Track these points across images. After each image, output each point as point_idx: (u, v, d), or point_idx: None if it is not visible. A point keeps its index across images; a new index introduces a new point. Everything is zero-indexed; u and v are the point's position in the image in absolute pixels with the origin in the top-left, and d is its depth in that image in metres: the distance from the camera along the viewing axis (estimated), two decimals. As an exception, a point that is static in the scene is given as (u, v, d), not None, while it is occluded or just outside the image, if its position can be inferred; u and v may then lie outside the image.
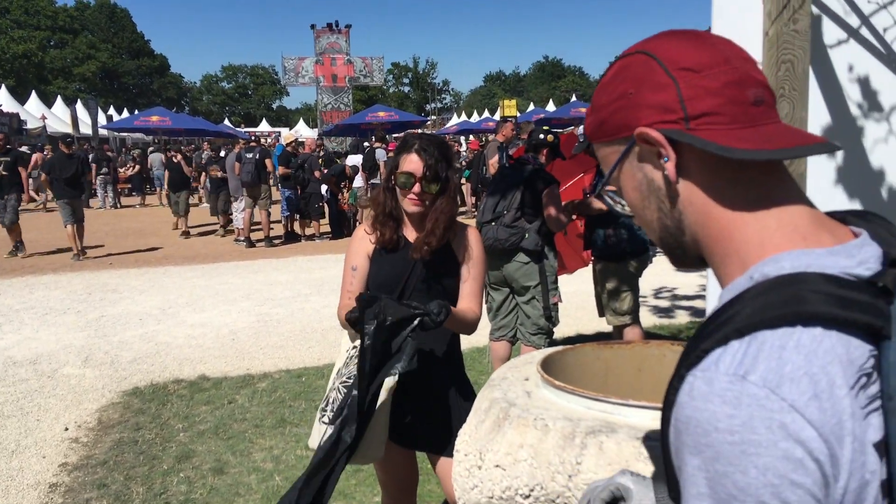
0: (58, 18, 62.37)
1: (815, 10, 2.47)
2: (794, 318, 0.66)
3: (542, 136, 4.59)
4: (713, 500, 0.66)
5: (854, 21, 2.51)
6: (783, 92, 2.38)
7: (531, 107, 42.16)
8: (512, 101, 24.74)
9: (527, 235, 4.17)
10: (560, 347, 2.04)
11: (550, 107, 38.77)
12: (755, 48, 2.44)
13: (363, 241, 2.35)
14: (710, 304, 2.57)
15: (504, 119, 11.46)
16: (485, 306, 4.75)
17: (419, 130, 22.97)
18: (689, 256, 0.85)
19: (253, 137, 14.57)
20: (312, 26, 38.96)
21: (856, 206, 2.63)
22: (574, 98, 40.64)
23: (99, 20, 65.30)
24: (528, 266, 4.24)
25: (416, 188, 2.22)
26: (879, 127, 2.60)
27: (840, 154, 2.58)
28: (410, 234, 2.34)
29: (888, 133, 2.61)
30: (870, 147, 2.61)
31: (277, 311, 7.51)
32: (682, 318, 6.69)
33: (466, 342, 6.06)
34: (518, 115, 24.64)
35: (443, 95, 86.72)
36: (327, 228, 13.39)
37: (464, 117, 47.71)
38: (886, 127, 2.60)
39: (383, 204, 2.31)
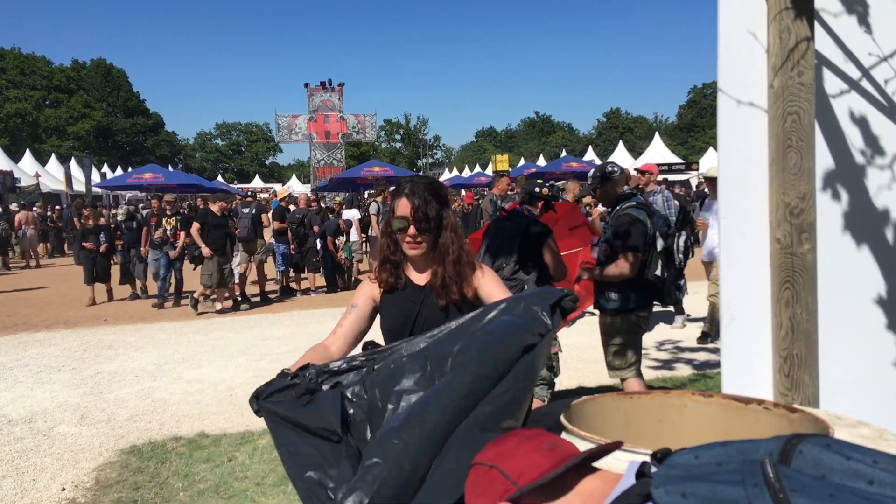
0: (53, 78, 63.18)
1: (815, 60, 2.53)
2: None
3: (536, 188, 4.64)
4: None
5: (854, 70, 2.58)
6: (790, 143, 2.42)
7: (522, 161, 42.72)
8: (504, 156, 25.08)
9: (526, 287, 4.17)
10: (582, 398, 2.03)
11: (541, 161, 39.26)
12: (761, 99, 2.50)
13: (368, 284, 2.41)
14: (725, 358, 2.57)
15: (499, 174, 11.60)
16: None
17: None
18: None
19: (249, 192, 14.65)
20: (306, 84, 39.64)
21: (863, 251, 2.65)
22: (564, 153, 41.20)
23: (94, 80, 66.19)
24: (528, 315, 4.22)
25: (411, 230, 2.26)
26: (883, 174, 2.65)
27: (845, 201, 2.62)
28: (415, 276, 2.37)
29: (891, 180, 2.65)
30: (874, 193, 2.65)
31: (275, 366, 7.41)
32: (684, 370, 6.65)
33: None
34: (510, 169, 24.92)
35: (434, 151, 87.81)
36: (322, 282, 13.36)
37: (455, 172, 48.23)
38: (889, 174, 2.65)
39: (383, 249, 2.36)
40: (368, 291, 2.38)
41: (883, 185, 2.65)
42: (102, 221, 13.06)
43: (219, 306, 11.28)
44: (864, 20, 2.58)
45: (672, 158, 32.47)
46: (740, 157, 2.52)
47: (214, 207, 11.38)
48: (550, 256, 4.16)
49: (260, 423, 5.46)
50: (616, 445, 1.23)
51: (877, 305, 2.68)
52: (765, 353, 2.55)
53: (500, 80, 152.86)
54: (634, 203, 4.19)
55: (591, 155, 36.22)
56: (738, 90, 2.50)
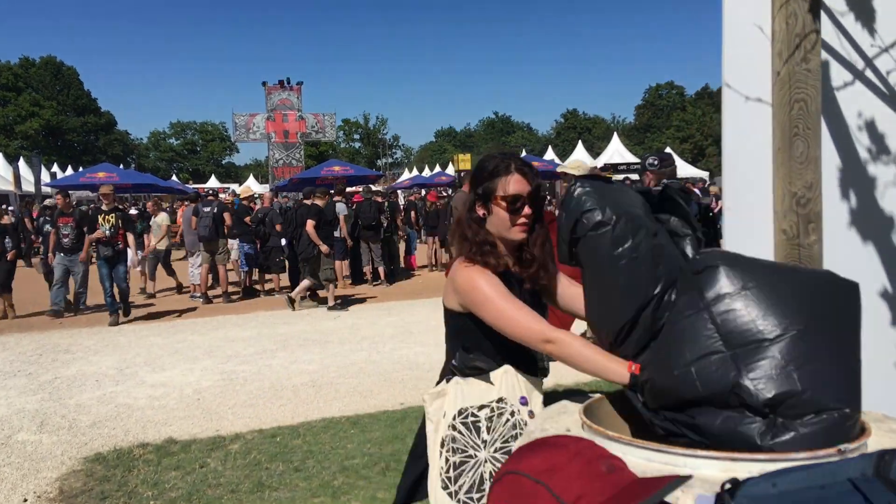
0: (0, 76, 61.20)
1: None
2: None
3: None
4: None
5: (859, 62, 2.55)
6: (797, 130, 2.36)
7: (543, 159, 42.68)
8: (466, 156, 25.06)
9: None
10: (596, 395, 1.94)
11: (501, 161, 39.35)
12: (765, 89, 2.44)
13: (489, 274, 2.01)
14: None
15: (469, 172, 11.52)
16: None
17: (374, 186, 22.94)
18: None
19: (211, 192, 14.32)
20: (264, 83, 39.09)
21: (869, 248, 2.62)
22: (524, 153, 41.36)
23: (43, 77, 64.28)
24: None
25: (527, 210, 2.01)
26: (888, 170, 2.62)
27: (853, 198, 2.58)
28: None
29: None
30: (880, 189, 2.62)
31: (243, 369, 7.23)
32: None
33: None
34: (471, 168, 24.91)
35: (394, 150, 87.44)
36: (287, 283, 13.11)
37: (415, 172, 48.09)
38: (894, 170, 2.62)
39: (481, 234, 2.04)
40: (497, 280, 2.01)
41: (889, 181, 2.62)
42: (6, 220, 11.80)
43: (332, 301, 10.88)
44: (866, 8, 2.54)
45: (630, 158, 32.83)
46: (744, 150, 2.46)
47: (320, 202, 10.99)
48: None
49: (231, 428, 5.32)
50: (684, 479, 1.11)
51: (881, 300, 2.65)
52: (769, 347, 2.49)
53: (460, 81, 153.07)
54: None
55: (550, 155, 36.39)
56: (743, 84, 2.44)
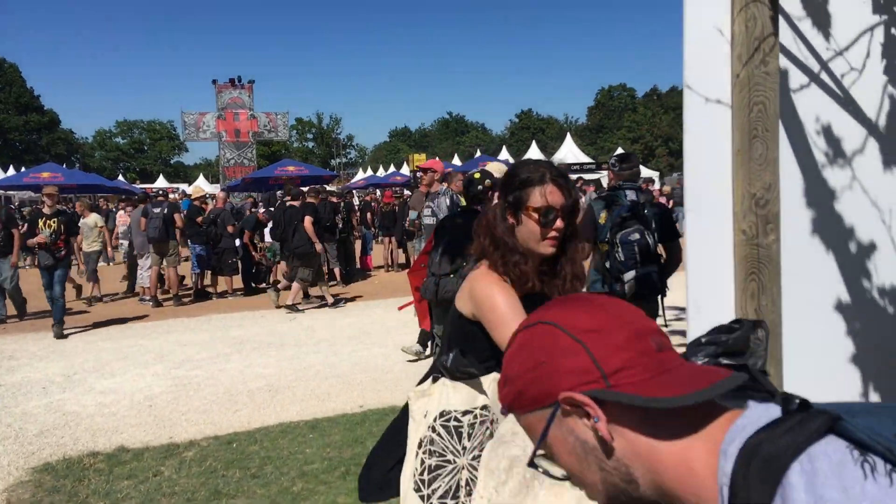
0: (-64, 72, 58.98)
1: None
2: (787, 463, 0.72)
3: (479, 185, 4.54)
4: None
5: (815, 66, 2.60)
6: (756, 133, 2.40)
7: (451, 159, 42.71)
8: (421, 156, 25.06)
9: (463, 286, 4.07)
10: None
11: (456, 161, 39.38)
12: (725, 91, 2.47)
13: (508, 289, 1.93)
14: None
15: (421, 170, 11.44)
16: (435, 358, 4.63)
17: (328, 186, 22.75)
18: None
19: (160, 192, 14.00)
20: (214, 81, 38.47)
21: (824, 248, 2.67)
22: (479, 153, 41.51)
23: (-17, 74, 62.15)
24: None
25: (559, 223, 1.92)
26: (843, 172, 2.68)
27: (810, 199, 2.63)
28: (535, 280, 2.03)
29: (852, 179, 2.68)
30: (836, 190, 2.67)
31: (196, 374, 7.07)
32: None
33: (404, 397, 5.87)
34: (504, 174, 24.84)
35: (347, 150, 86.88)
36: (240, 285, 12.90)
37: (370, 172, 47.87)
38: (850, 173, 2.68)
39: (512, 245, 1.93)
40: (511, 291, 1.94)
41: (844, 180, 2.68)
42: None
43: (331, 299, 10.90)
44: (822, 13, 2.59)
45: (583, 158, 33.23)
46: (705, 152, 2.48)
47: (314, 200, 11.01)
48: None
49: (185, 435, 5.19)
50: (741, 377, 0.83)
51: (835, 299, 2.71)
52: (729, 346, 2.52)
53: (414, 80, 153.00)
54: (598, 195, 4.27)
55: (505, 154, 36.58)
56: (704, 86, 2.46)
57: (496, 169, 5.87)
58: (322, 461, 4.55)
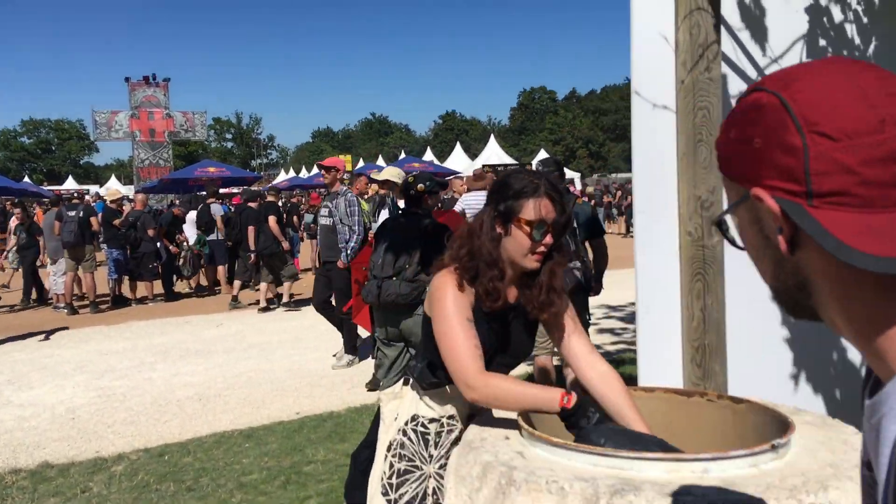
0: None
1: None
2: None
3: (411, 190, 4.48)
4: None
5: (753, 73, 2.70)
6: (701, 137, 2.48)
7: (361, 162, 42.47)
8: (346, 157, 24.79)
9: (427, 288, 4.06)
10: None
11: (381, 162, 39.22)
12: (671, 96, 2.54)
13: (459, 295, 1.88)
14: (641, 350, 2.59)
15: (359, 174, 11.29)
16: (373, 362, 4.60)
17: (253, 186, 22.28)
18: (807, 313, 0.76)
19: (75, 194, 13.40)
20: (127, 79, 37.08)
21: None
22: (403, 154, 41.48)
23: None
24: (430, 318, 4.13)
25: (549, 239, 1.87)
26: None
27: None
28: (510, 293, 1.98)
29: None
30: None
31: (121, 384, 6.79)
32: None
33: (341, 402, 5.81)
34: (352, 170, 24.64)
35: (269, 151, 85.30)
36: (160, 290, 12.46)
37: (292, 173, 47.09)
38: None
39: (493, 258, 1.87)
40: (466, 304, 1.88)
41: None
42: None
43: (263, 303, 10.65)
44: (760, 24, 2.70)
45: (507, 160, 33.60)
46: (652, 155, 2.55)
47: (274, 199, 10.97)
48: None
49: (112, 449, 4.97)
50: None
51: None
52: (676, 343, 2.59)
53: (337, 81, 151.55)
54: None
55: (429, 156, 36.65)
56: (650, 91, 2.53)
57: (393, 174, 5.89)
58: (260, 471, 4.44)
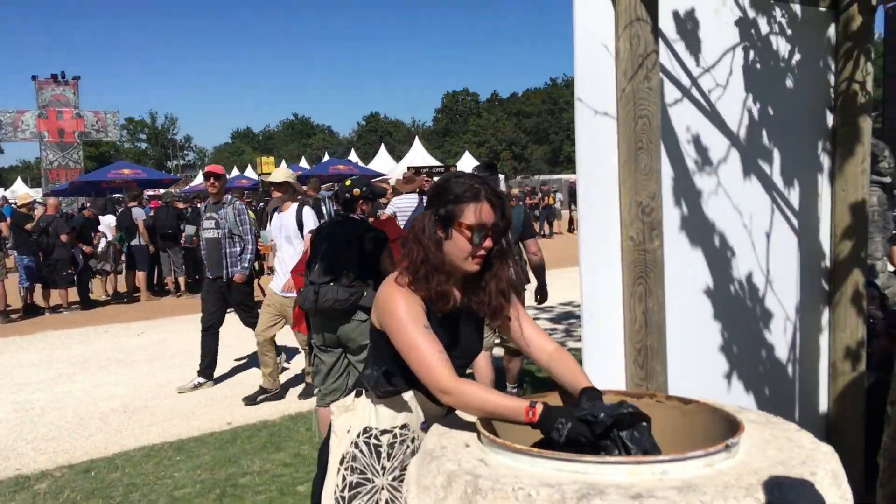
0: None
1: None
2: None
3: (347, 194, 4.43)
4: None
5: (686, 82, 2.79)
6: (641, 144, 2.55)
7: (283, 164, 41.82)
8: (270, 159, 24.46)
9: (365, 293, 4.03)
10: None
11: (304, 164, 38.73)
12: (612, 104, 2.60)
13: (411, 300, 1.89)
14: (585, 354, 2.64)
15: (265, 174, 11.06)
16: (310, 369, 4.53)
17: (172, 189, 21.64)
18: None
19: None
20: (34, 77, 35.43)
21: (696, 251, 2.88)
22: (326, 156, 41.00)
23: None
24: (367, 323, 4.05)
25: (488, 242, 1.90)
26: (711, 179, 2.90)
27: (684, 205, 2.83)
28: (455, 292, 1.99)
29: (717, 185, 2.91)
30: (705, 198, 2.89)
31: (38, 397, 6.47)
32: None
33: (275, 411, 5.70)
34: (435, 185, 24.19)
35: (185, 152, 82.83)
36: (76, 298, 11.94)
37: (211, 175, 45.84)
38: (716, 180, 2.91)
39: (440, 261, 1.89)
40: (419, 310, 1.89)
41: (711, 187, 2.90)
42: None
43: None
44: (693, 35, 2.79)
45: (432, 161, 33.70)
46: (595, 162, 2.60)
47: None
48: (389, 263, 4.03)
49: (34, 466, 4.74)
50: None
51: (706, 297, 2.93)
52: (618, 346, 2.66)
53: (256, 80, 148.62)
54: None
55: (354, 157, 36.43)
56: (593, 99, 2.57)
57: (285, 175, 5.75)
58: (194, 484, 4.31)
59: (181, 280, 12.83)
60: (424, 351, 1.81)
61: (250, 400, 5.97)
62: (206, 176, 6.33)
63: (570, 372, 1.96)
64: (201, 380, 6.53)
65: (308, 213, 5.82)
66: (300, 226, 5.71)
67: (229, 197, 6.46)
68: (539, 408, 1.70)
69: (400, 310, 1.87)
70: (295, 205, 5.83)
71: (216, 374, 6.95)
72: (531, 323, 2.10)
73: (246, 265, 6.29)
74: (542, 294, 5.28)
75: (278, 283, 5.77)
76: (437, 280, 1.89)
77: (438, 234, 1.91)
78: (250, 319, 6.49)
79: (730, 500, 1.38)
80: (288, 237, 5.76)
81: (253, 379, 6.72)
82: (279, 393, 6.11)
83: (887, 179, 5.61)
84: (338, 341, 4.16)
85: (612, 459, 1.55)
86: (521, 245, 5.11)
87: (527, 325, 2.08)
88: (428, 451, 1.76)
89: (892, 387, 2.27)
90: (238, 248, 6.29)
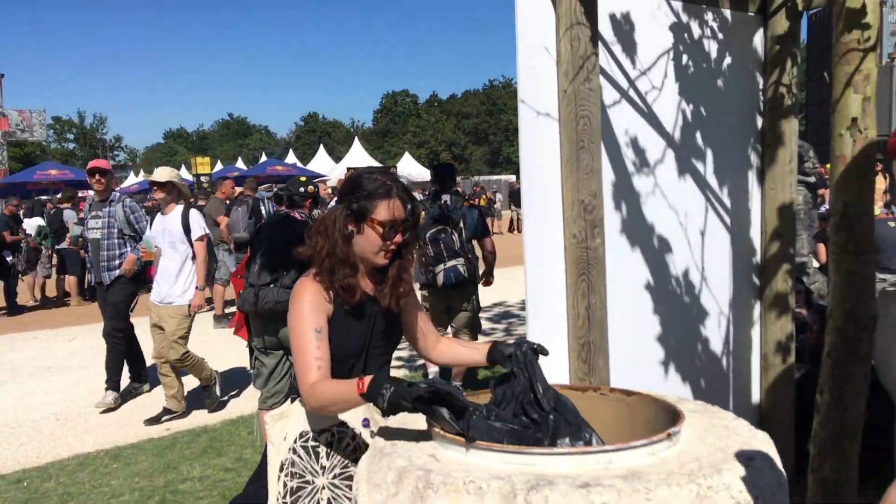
0: None
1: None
2: None
3: (301, 188, 4.45)
4: None
5: (624, 83, 2.87)
6: (583, 144, 2.61)
7: (219, 165, 41.02)
8: (205, 159, 23.85)
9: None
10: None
11: (241, 164, 38.03)
12: (554, 105, 2.65)
13: (320, 300, 1.93)
14: (531, 328, 2.68)
15: (224, 177, 10.84)
16: (252, 372, 4.45)
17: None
18: None
19: None
20: (-47, 73, 33.94)
21: (636, 248, 2.96)
22: (264, 156, 40.39)
23: None
24: (309, 324, 4.06)
25: (398, 238, 1.97)
26: (648, 179, 2.98)
27: (622, 203, 2.90)
28: (364, 284, 2.03)
29: (654, 186, 3.00)
30: (642, 196, 2.97)
31: (-34, 408, 6.19)
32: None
33: (215, 416, 5.59)
34: (211, 172, 23.72)
35: (116, 152, 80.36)
36: (1, 303, 11.47)
37: (143, 176, 44.60)
38: (653, 180, 2.99)
39: (346, 254, 1.95)
40: (322, 308, 1.93)
41: (648, 186, 2.98)
42: None
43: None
44: (630, 38, 2.87)
45: (372, 162, 33.56)
46: (538, 161, 2.65)
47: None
48: None
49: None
50: None
51: (646, 291, 3.01)
52: (562, 341, 2.71)
53: (189, 80, 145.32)
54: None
55: (292, 158, 35.97)
56: (536, 100, 2.62)
57: (169, 175, 5.45)
58: (132, 492, 4.20)
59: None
60: (303, 353, 1.86)
61: (152, 421, 5.51)
62: (91, 172, 5.87)
63: (460, 352, 2.19)
64: (137, 385, 6.35)
65: (195, 216, 5.47)
66: (186, 230, 5.37)
67: (117, 194, 6.08)
68: (367, 379, 1.72)
69: (300, 308, 1.92)
70: (180, 207, 5.45)
71: (154, 379, 6.77)
72: (427, 323, 2.24)
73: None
74: (488, 278, 5.72)
75: (158, 292, 5.47)
76: (342, 273, 1.94)
77: (350, 229, 1.95)
78: (116, 330, 5.95)
79: (673, 486, 1.43)
80: (172, 243, 5.40)
81: (188, 382, 6.59)
82: (185, 412, 5.73)
83: (812, 179, 5.88)
84: (279, 343, 4.12)
85: (559, 450, 1.59)
86: (473, 243, 5.47)
87: (423, 323, 2.21)
88: (378, 448, 1.77)
89: (821, 378, 2.39)
90: (127, 248, 5.94)
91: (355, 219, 1.95)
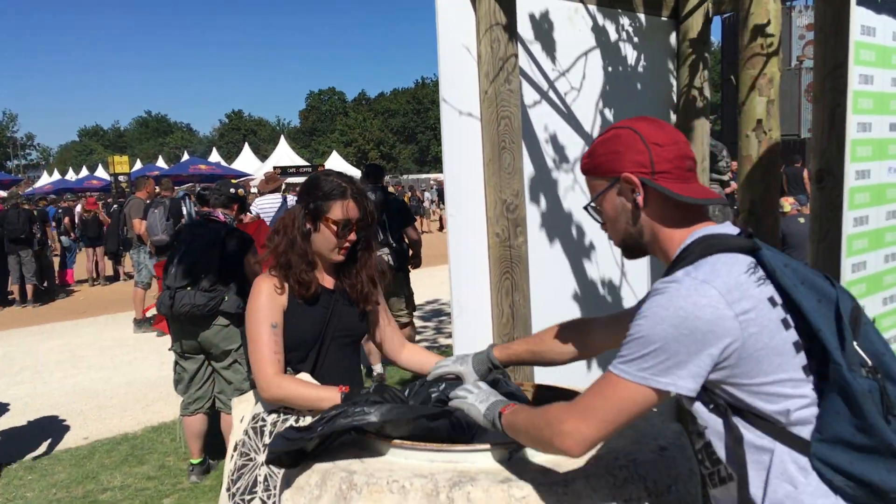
0: None
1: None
2: (714, 252, 1.27)
3: (232, 189, 4.36)
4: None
5: (544, 84, 2.92)
6: (504, 145, 2.65)
7: (139, 164, 39.69)
8: (123, 158, 23.01)
9: (226, 298, 3.90)
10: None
11: (161, 163, 36.88)
12: (476, 105, 2.68)
13: (274, 295, 2.06)
14: (456, 349, 2.71)
15: (145, 176, 10.38)
16: (173, 378, 4.33)
17: (16, 189, 20.06)
18: (640, 251, 1.45)
19: None
20: None
21: (556, 243, 3.02)
22: (186, 155, 39.27)
23: None
24: (229, 329, 3.96)
25: (352, 236, 2.10)
26: (568, 176, 3.05)
27: (544, 202, 2.96)
28: (324, 279, 2.17)
29: (574, 182, 3.07)
30: (563, 194, 3.03)
31: None
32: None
33: (136, 423, 5.43)
34: (130, 172, 22.93)
35: (27, 151, 76.81)
36: None
37: (57, 175, 42.77)
38: (573, 177, 3.06)
39: (303, 251, 2.08)
40: (276, 303, 2.06)
41: (568, 183, 3.05)
42: None
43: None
44: (549, 38, 2.93)
45: (299, 161, 33.12)
46: (461, 161, 2.67)
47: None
48: (250, 269, 3.91)
49: None
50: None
51: (566, 286, 3.08)
52: (487, 339, 2.75)
53: (105, 75, 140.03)
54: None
55: (216, 157, 35.08)
56: (457, 100, 2.64)
57: None
58: (48, 504, 4.04)
59: (29, 288, 11.90)
60: (259, 346, 2.00)
61: None
62: None
63: (425, 359, 2.23)
64: None
65: None
66: None
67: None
68: (346, 388, 1.93)
69: (257, 304, 2.06)
70: None
71: (70, 386, 6.53)
72: (393, 326, 2.36)
73: None
74: (416, 262, 5.97)
75: None
76: (299, 269, 2.08)
77: (307, 227, 2.09)
78: None
79: (591, 477, 1.48)
80: None
81: (110, 391, 6.37)
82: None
83: (725, 177, 6.12)
84: (199, 347, 4.02)
85: (480, 447, 1.61)
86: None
87: (389, 328, 2.33)
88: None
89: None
90: None
91: (312, 217, 2.09)
